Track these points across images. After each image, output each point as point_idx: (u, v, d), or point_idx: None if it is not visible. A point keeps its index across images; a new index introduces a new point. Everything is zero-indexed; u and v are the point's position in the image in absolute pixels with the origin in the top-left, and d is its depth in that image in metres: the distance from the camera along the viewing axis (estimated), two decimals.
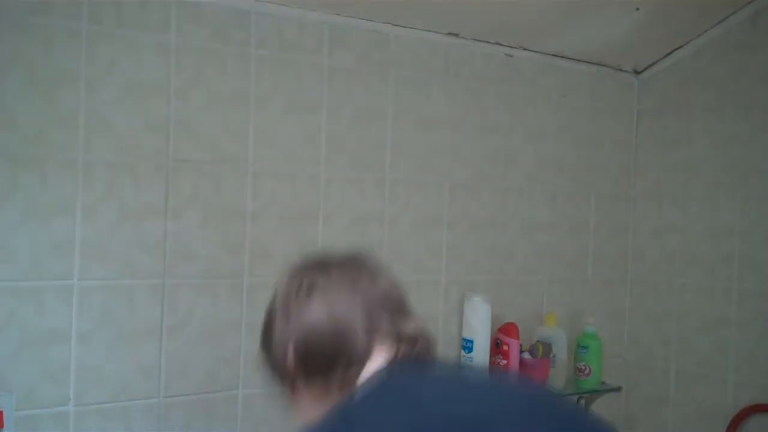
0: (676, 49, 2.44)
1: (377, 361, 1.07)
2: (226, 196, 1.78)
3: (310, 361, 1.07)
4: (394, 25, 2.01)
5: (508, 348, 2.07)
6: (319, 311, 1.07)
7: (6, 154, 1.52)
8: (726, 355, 2.32)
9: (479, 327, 2.07)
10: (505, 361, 2.07)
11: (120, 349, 1.64)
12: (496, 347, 2.09)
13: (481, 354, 2.06)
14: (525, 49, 2.28)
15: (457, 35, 2.14)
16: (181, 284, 1.72)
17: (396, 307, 1.14)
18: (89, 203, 1.61)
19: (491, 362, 2.08)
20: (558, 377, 2.18)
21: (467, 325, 2.09)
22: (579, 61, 2.40)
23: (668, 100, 2.48)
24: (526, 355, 2.11)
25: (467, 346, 2.07)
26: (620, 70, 2.51)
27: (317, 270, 1.12)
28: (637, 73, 2.54)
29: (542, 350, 2.11)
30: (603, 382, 2.29)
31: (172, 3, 1.70)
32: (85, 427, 1.60)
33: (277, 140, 1.85)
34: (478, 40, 2.18)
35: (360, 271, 1.14)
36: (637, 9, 2.17)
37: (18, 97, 1.53)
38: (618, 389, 2.34)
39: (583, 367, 2.25)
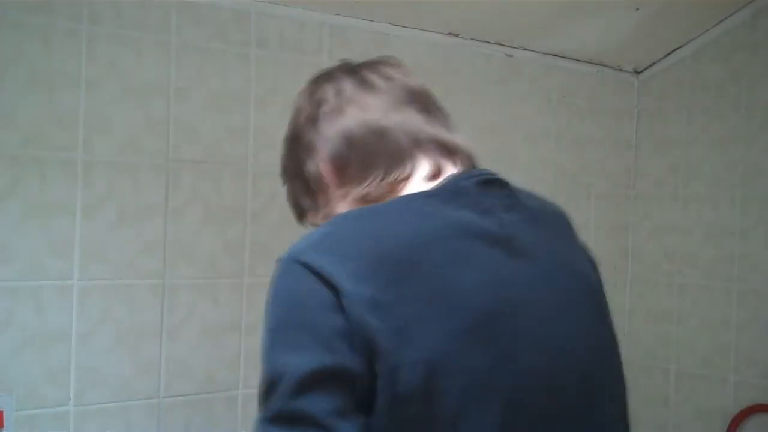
0: (676, 49, 2.45)
1: (421, 171, 0.96)
2: (226, 196, 1.78)
3: (347, 168, 0.97)
4: (394, 25, 2.01)
5: None
6: (352, 116, 0.98)
7: (6, 154, 1.52)
8: (726, 355, 2.32)
9: None
10: None
11: (120, 349, 1.64)
12: None
13: None
14: (525, 49, 2.28)
15: (457, 35, 2.14)
16: (181, 284, 1.72)
17: (436, 111, 1.03)
18: (89, 203, 1.61)
19: None
20: None
21: None
22: (579, 61, 2.40)
23: (668, 100, 2.48)
24: None
25: None
26: (620, 70, 2.51)
27: (343, 75, 1.03)
28: (637, 73, 2.54)
29: None
30: None
31: (172, 3, 1.70)
32: (85, 427, 1.60)
33: (277, 140, 1.84)
34: (478, 40, 2.18)
35: (391, 69, 1.04)
36: (637, 9, 2.17)
37: (18, 97, 1.53)
38: None
39: None
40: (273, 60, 1.84)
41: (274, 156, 1.86)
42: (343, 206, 0.99)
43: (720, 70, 2.36)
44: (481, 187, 0.94)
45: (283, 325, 0.82)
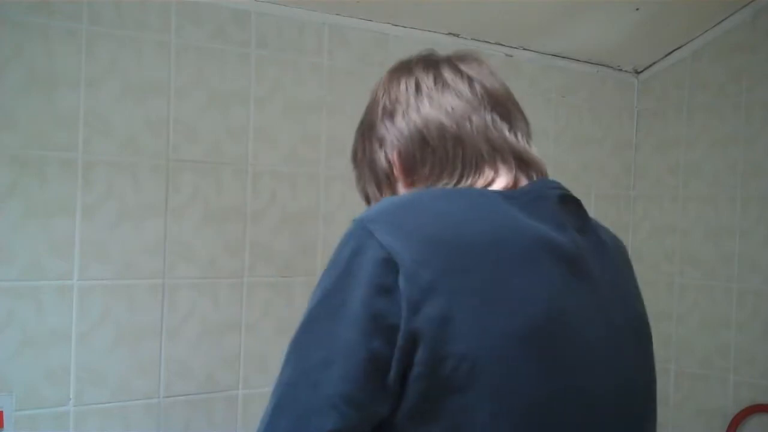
0: (676, 49, 2.45)
1: (499, 183, 0.94)
2: (226, 196, 1.78)
3: (418, 167, 0.94)
4: (394, 25, 2.01)
5: None
6: (428, 115, 0.94)
7: (6, 154, 1.52)
8: (726, 355, 2.32)
9: None
10: None
11: (120, 349, 1.64)
12: None
13: None
14: (525, 49, 2.28)
15: (457, 35, 2.14)
16: (181, 284, 1.72)
17: (518, 119, 1.01)
18: (89, 203, 1.61)
19: None
20: None
21: None
22: (579, 61, 2.40)
23: (668, 100, 2.48)
24: None
25: None
26: (620, 70, 2.51)
27: (422, 70, 0.99)
28: (637, 73, 2.54)
29: None
30: None
31: (172, 3, 1.70)
32: (85, 427, 1.60)
33: (277, 140, 1.85)
34: (478, 40, 2.18)
35: (474, 67, 1.00)
36: (637, 9, 2.17)
37: (18, 97, 1.53)
38: None
39: None
40: (273, 60, 1.84)
41: (274, 156, 1.87)
42: None
43: (720, 70, 2.36)
44: (559, 202, 0.92)
45: (332, 292, 0.81)
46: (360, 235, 0.81)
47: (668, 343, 2.44)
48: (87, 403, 1.61)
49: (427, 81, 0.98)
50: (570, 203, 0.94)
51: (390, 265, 0.78)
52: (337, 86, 1.94)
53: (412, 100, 0.97)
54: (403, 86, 0.99)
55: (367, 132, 1.02)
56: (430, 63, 1.00)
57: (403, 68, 1.02)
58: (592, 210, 2.43)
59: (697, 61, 2.41)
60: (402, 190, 0.98)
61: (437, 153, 0.94)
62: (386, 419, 0.79)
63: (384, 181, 0.99)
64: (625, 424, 0.88)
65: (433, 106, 0.95)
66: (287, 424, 0.78)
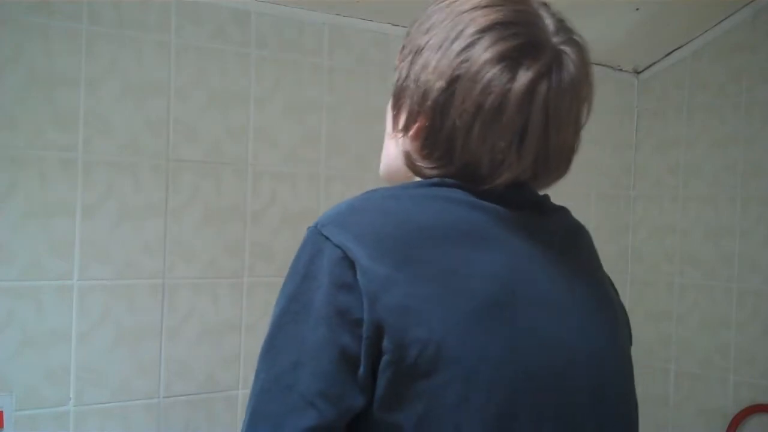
0: (676, 49, 2.44)
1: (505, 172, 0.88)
2: (226, 196, 1.78)
3: (443, 124, 0.87)
4: (394, 25, 2.01)
5: None
6: (488, 62, 0.88)
7: (6, 154, 1.52)
8: (726, 355, 2.32)
9: None
10: None
11: (120, 349, 1.65)
12: None
13: None
14: None
15: None
16: (181, 284, 1.72)
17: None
18: (89, 203, 1.61)
19: None
20: None
21: None
22: None
23: (668, 100, 2.48)
24: None
25: None
26: (620, 70, 2.51)
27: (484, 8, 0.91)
28: (637, 73, 2.54)
29: None
30: None
31: (172, 3, 1.70)
32: (85, 427, 1.60)
33: (277, 140, 1.86)
34: None
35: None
36: (637, 9, 2.17)
37: (18, 97, 1.53)
38: None
39: None
40: (273, 60, 1.84)
41: (274, 156, 1.87)
42: (409, 151, 0.92)
43: (720, 70, 2.36)
44: (512, 186, 0.90)
45: (295, 297, 0.83)
46: (315, 240, 0.84)
47: (668, 343, 2.44)
48: (87, 403, 1.61)
49: (484, 28, 0.94)
50: (524, 187, 0.93)
51: (347, 262, 0.80)
52: (337, 86, 1.94)
53: (461, 45, 0.93)
54: (458, 28, 0.94)
55: (414, 58, 0.94)
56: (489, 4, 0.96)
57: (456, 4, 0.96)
58: (593, 210, 2.43)
59: (697, 61, 2.41)
60: (412, 134, 0.93)
61: (466, 117, 0.89)
62: (361, 411, 0.80)
63: (408, 120, 0.94)
64: (598, 394, 0.89)
65: (487, 55, 0.92)
66: (266, 430, 0.79)
